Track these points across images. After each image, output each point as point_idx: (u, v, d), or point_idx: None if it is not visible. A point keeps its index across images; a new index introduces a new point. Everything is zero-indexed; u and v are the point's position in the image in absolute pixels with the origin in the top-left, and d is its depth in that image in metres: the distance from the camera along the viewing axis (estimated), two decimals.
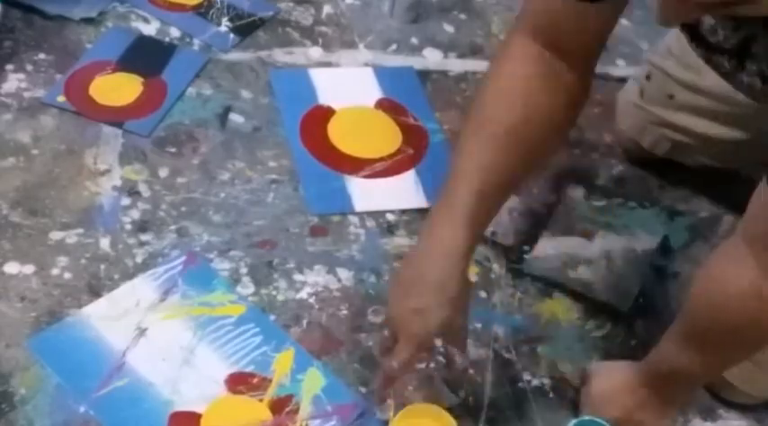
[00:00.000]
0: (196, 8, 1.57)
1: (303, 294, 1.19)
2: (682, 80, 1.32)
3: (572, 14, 0.96)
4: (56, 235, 1.19)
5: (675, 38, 1.32)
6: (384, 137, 1.42)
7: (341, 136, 1.40)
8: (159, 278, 1.16)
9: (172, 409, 1.05)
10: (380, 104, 1.47)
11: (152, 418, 1.03)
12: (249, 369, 1.09)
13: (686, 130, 1.35)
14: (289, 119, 1.41)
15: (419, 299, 0.97)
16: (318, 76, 1.49)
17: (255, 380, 1.09)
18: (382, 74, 1.53)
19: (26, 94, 1.36)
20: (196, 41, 1.51)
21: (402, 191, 1.34)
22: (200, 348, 1.10)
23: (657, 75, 1.35)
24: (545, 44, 0.99)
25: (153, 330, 1.11)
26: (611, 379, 1.09)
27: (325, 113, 1.44)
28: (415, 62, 1.57)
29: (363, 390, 1.10)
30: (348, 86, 1.49)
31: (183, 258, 1.18)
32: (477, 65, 1.59)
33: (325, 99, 1.46)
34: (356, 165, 1.36)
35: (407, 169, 1.38)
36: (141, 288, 1.15)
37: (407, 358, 0.98)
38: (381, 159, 1.38)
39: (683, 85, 1.32)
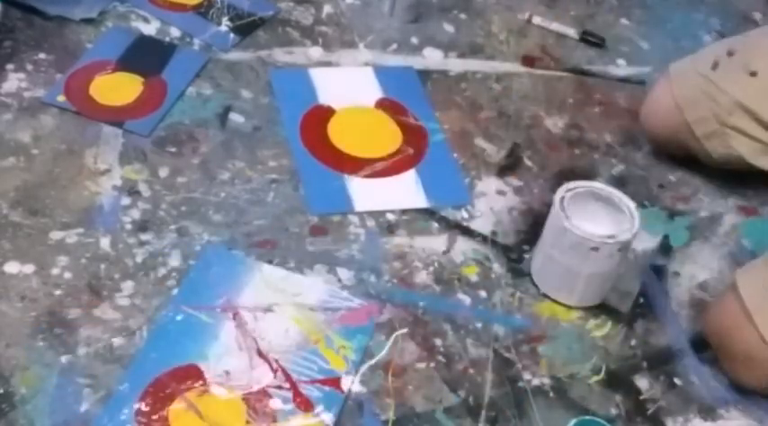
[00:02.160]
0: (196, 8, 1.57)
1: None
2: None
3: None
4: (56, 235, 1.19)
5: None
6: (384, 137, 1.42)
7: (341, 135, 1.40)
8: None
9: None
10: (380, 104, 1.47)
11: None
12: None
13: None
14: (289, 118, 1.41)
15: None
16: (318, 76, 1.50)
17: None
18: (382, 73, 1.53)
19: (26, 94, 1.36)
20: (196, 41, 1.51)
21: (402, 191, 1.34)
22: None
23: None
24: None
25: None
26: None
27: (326, 113, 1.44)
28: (415, 62, 1.57)
29: (364, 390, 1.10)
30: (348, 86, 1.49)
31: None
32: (477, 64, 1.59)
33: (325, 99, 1.46)
34: (356, 165, 1.36)
35: (407, 169, 1.38)
36: None
37: None
38: (381, 159, 1.38)
39: None
